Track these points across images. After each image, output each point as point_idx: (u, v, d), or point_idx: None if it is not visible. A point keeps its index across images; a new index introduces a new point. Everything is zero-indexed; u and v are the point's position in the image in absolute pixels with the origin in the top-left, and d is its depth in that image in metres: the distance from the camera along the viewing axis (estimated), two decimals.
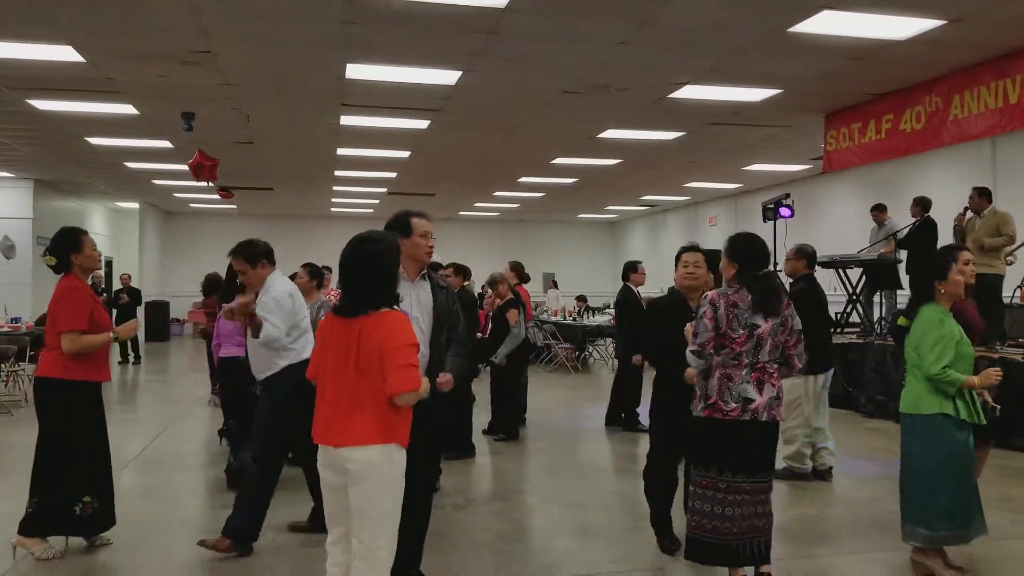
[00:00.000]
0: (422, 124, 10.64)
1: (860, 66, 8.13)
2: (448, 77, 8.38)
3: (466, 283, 7.80)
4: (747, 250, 3.79)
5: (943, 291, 4.04)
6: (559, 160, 13.57)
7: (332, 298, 10.51)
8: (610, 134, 11.31)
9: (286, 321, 4.38)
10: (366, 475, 2.84)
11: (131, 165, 14.39)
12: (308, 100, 9.52)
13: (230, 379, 5.89)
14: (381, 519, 2.88)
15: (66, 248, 4.34)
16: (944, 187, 11.75)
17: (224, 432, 6.08)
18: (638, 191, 18.31)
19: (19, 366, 10.20)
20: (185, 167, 14.35)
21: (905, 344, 4.11)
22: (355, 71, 8.18)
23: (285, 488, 4.87)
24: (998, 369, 4.01)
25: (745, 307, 3.66)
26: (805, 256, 6.41)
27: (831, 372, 6.40)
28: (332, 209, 22.01)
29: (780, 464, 6.50)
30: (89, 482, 4.29)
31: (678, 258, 4.45)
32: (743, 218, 17.93)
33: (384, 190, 17.38)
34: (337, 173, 15.28)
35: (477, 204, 20.58)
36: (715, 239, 17.38)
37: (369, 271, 2.96)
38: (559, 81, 8.62)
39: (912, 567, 4.14)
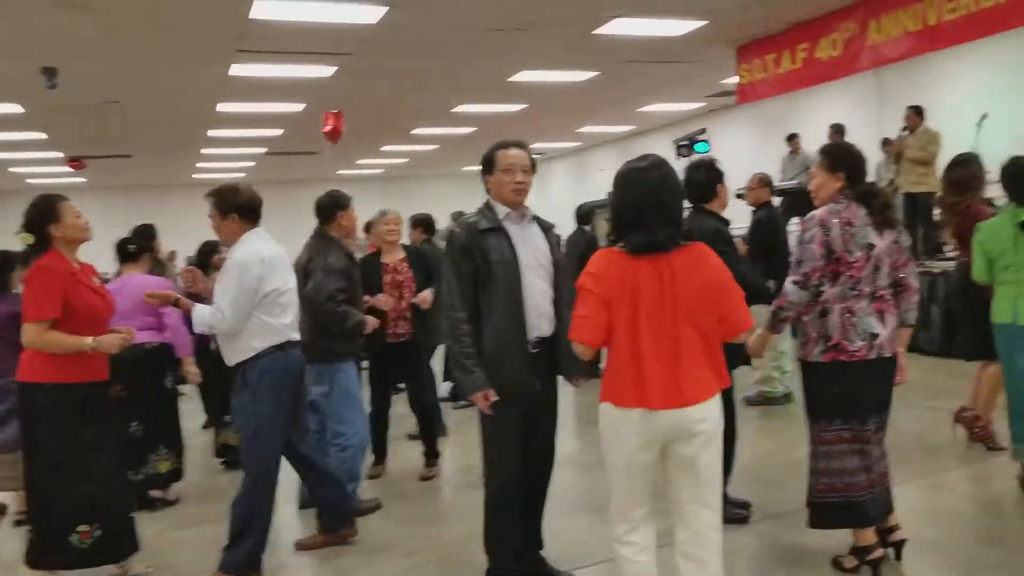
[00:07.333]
0: (327, 71, 9.76)
1: None
2: (372, 14, 7.61)
3: (428, 239, 6.94)
4: (855, 157, 3.27)
5: None
6: (461, 107, 12.98)
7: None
8: (522, 76, 10.85)
9: (237, 298, 3.46)
10: (717, 430, 2.57)
11: None
12: (196, 47, 8.44)
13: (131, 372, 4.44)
14: (720, 473, 2.63)
15: (43, 219, 3.42)
16: (830, 118, 12.10)
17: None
18: (531, 138, 17.89)
19: None
20: (33, 134, 12.61)
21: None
22: (262, 9, 7.27)
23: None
24: None
25: (861, 224, 3.15)
26: (767, 184, 6.57)
27: None
28: (194, 175, 20.26)
29: (751, 391, 6.50)
30: (87, 507, 3.37)
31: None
32: None
33: (264, 150, 16.12)
34: (210, 133, 13.94)
35: (359, 161, 19.54)
36: (604, 186, 17.32)
37: (676, 196, 2.62)
38: (488, 17, 8.05)
39: (1021, 484, 4.12)
